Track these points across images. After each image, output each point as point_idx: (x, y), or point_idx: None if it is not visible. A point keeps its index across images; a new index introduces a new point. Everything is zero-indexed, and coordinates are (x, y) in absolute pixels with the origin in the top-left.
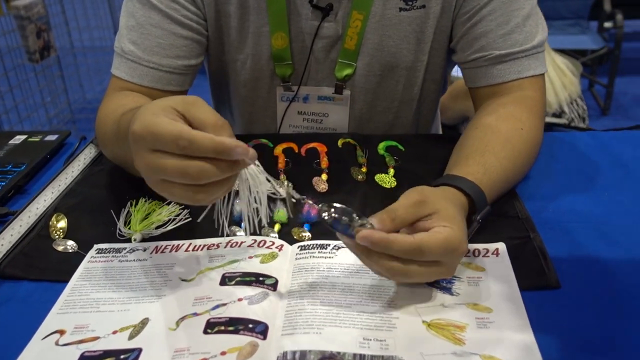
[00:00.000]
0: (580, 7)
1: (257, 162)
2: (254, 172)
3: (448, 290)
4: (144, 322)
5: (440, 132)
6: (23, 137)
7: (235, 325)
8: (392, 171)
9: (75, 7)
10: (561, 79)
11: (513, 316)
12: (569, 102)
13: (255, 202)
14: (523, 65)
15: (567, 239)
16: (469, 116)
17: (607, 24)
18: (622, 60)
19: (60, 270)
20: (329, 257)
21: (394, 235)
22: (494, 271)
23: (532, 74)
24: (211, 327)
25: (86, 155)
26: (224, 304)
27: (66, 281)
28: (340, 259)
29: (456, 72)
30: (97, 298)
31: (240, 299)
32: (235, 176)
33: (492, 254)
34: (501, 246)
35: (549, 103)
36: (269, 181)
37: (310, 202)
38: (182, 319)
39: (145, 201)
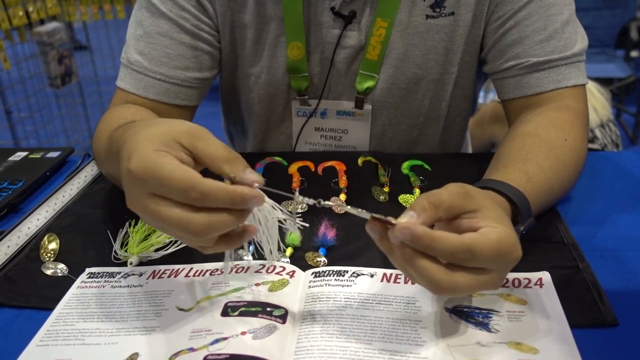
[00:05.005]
0: (606, 35)
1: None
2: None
3: (485, 326)
4: (133, 358)
5: (470, 152)
6: (24, 153)
7: None
8: (417, 192)
9: (100, 36)
10: (591, 102)
11: (563, 358)
12: (599, 126)
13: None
14: (563, 74)
15: (621, 269)
16: (496, 142)
17: (634, 53)
18: None
19: (46, 296)
20: (347, 286)
21: (440, 232)
22: (539, 305)
23: (572, 83)
24: None
25: (87, 173)
26: (225, 338)
27: (51, 309)
28: (359, 287)
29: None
30: (83, 328)
31: (243, 333)
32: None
33: (535, 284)
34: (545, 276)
35: None
36: (279, 209)
37: (330, 202)
38: (176, 354)
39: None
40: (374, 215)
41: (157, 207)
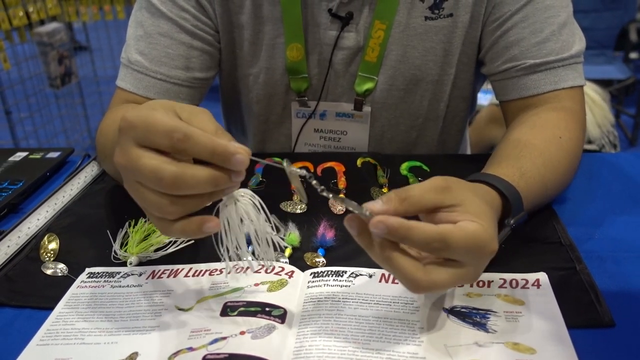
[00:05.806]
0: (605, 37)
1: (254, 196)
2: (246, 206)
3: (482, 327)
4: (132, 358)
5: (469, 153)
6: (24, 154)
7: None
8: None
9: (100, 36)
10: (589, 106)
11: (560, 358)
12: (599, 133)
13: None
14: (560, 76)
15: (618, 270)
16: (495, 144)
17: (633, 55)
18: None
19: (46, 296)
20: (345, 286)
21: (415, 222)
22: (536, 305)
23: (570, 85)
24: None
25: (87, 173)
26: (224, 338)
27: (51, 308)
28: (357, 287)
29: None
30: (82, 328)
31: (242, 332)
32: (218, 193)
33: (533, 285)
34: (542, 277)
35: None
36: (268, 220)
37: (315, 181)
38: (176, 354)
39: (145, 221)
40: (349, 207)
41: (138, 154)
